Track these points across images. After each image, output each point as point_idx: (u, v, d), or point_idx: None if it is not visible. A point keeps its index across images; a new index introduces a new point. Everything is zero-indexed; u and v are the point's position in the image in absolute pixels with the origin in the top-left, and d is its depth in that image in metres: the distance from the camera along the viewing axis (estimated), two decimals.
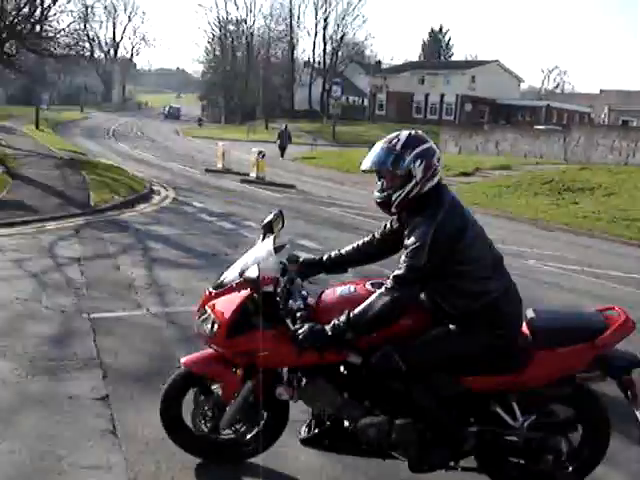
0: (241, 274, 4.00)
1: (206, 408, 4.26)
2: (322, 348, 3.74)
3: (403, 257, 3.70)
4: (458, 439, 3.90)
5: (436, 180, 3.77)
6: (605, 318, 3.90)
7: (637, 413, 3.81)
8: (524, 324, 3.94)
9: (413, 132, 3.86)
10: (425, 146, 3.76)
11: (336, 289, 3.98)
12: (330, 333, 3.69)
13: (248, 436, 4.33)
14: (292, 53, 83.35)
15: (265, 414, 4.24)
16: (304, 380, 3.97)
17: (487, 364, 3.82)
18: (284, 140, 35.14)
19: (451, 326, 3.83)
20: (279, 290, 3.97)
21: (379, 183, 3.85)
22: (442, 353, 3.82)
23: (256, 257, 4.04)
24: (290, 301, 3.91)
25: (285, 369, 4.01)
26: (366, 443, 3.98)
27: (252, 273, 3.95)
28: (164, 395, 4.33)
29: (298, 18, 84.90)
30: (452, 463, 3.99)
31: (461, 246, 3.66)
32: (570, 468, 4.03)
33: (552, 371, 3.81)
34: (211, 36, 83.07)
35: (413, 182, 3.71)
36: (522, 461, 4.03)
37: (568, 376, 3.87)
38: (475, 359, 3.83)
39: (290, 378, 4.03)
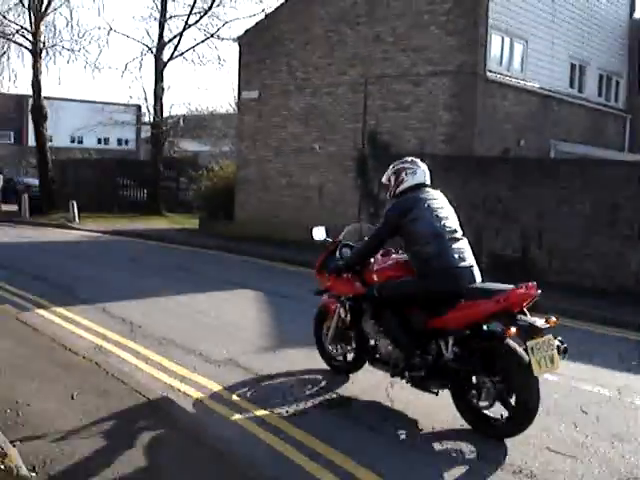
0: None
1: (324, 330, 7.19)
2: (338, 275, 6.70)
3: None
4: (409, 355, 5.91)
5: (405, 186, 6.18)
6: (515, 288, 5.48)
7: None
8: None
9: (406, 158, 6.44)
10: (400, 165, 6.31)
11: None
12: (339, 265, 6.67)
13: (349, 356, 7.04)
14: None
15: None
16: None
17: (426, 304, 5.92)
18: None
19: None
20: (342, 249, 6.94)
21: None
22: (399, 290, 6.12)
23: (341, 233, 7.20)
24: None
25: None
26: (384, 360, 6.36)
27: (319, 237, 7.36)
28: (313, 322, 7.36)
29: None
30: (407, 374, 5.99)
31: (405, 220, 5.95)
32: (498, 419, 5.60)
33: (464, 316, 5.63)
34: None
35: (390, 187, 6.34)
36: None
37: (492, 334, 5.65)
38: (417, 298, 6.00)
39: (344, 302, 6.73)
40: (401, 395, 6.44)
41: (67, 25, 32.57)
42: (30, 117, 34.05)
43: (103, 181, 33.60)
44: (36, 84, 31.08)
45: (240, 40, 22.14)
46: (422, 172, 6.22)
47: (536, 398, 5.33)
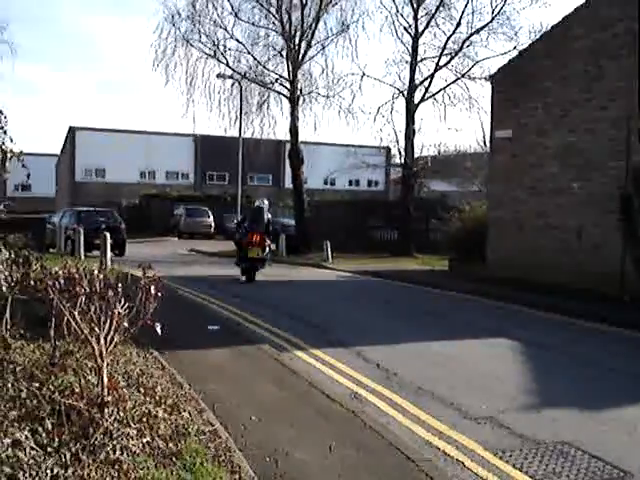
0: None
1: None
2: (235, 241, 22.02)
3: None
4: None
5: (254, 206, 22.60)
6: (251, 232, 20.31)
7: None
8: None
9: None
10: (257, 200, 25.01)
11: None
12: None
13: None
14: None
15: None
16: None
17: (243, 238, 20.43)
18: None
19: None
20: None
21: None
22: (238, 236, 21.15)
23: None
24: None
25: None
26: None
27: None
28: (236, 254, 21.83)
29: None
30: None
31: (249, 216, 21.29)
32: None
33: (247, 241, 20.06)
34: None
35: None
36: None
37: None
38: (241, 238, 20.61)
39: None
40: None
41: (322, 72, 33.77)
42: (287, 161, 35.79)
43: (354, 222, 34.44)
44: (294, 130, 32.64)
45: (493, 79, 21.76)
46: (260, 203, 21.46)
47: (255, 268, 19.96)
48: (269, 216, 21.10)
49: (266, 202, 21.38)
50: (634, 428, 6.95)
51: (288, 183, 45.58)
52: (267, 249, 20.14)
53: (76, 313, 5.70)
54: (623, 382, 9.07)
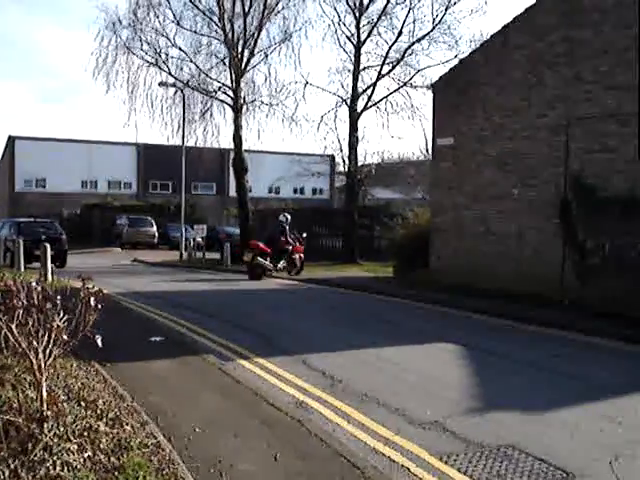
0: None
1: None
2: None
3: None
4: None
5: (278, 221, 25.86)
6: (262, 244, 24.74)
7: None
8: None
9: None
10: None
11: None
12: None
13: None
14: None
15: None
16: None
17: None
18: None
19: None
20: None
21: None
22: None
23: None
24: None
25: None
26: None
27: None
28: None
29: None
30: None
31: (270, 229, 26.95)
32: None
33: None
34: None
35: None
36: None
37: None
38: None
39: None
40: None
41: (265, 81, 33.70)
42: (231, 170, 35.62)
43: (299, 230, 34.40)
44: (237, 138, 32.51)
45: (434, 87, 22.00)
46: (281, 216, 25.65)
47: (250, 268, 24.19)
48: (287, 228, 25.17)
49: (288, 216, 25.77)
50: (576, 429, 7.06)
51: (232, 192, 45.36)
52: (267, 257, 24.21)
53: (13, 326, 5.57)
54: (565, 383, 9.22)
